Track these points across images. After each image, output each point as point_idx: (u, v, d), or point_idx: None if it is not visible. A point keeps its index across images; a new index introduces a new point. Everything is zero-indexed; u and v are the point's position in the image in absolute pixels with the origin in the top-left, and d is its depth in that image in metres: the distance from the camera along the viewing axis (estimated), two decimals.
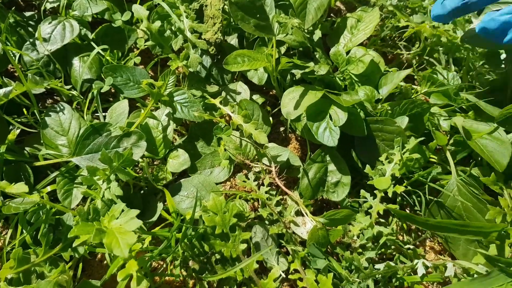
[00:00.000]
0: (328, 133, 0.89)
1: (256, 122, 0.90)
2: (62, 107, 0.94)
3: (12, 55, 0.99)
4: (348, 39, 1.10)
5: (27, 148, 0.92)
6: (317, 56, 1.04)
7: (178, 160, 0.91)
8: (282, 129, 1.07)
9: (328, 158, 0.95)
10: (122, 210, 0.69)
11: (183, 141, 0.98)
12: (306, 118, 0.90)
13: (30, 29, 1.07)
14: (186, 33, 0.95)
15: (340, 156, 0.95)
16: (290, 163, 0.95)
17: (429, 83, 0.99)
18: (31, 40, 1.01)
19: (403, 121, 0.93)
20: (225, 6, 1.00)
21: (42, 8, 1.09)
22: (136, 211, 0.64)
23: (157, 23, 0.97)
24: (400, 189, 0.79)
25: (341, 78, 1.04)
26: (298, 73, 1.00)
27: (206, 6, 1.01)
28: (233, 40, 1.08)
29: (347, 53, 1.05)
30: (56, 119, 0.93)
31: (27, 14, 1.10)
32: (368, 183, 0.96)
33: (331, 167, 0.94)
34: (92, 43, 1.02)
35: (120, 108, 0.95)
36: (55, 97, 1.07)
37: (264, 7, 0.88)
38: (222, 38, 0.98)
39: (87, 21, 1.06)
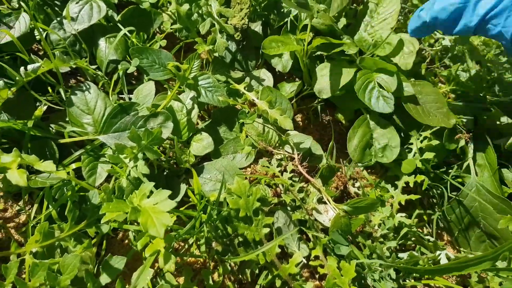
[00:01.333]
0: (382, 101, 0.91)
1: (281, 108, 0.91)
2: (88, 86, 0.95)
3: (40, 32, 1.00)
4: (368, 23, 1.10)
5: (52, 125, 0.93)
6: (344, 38, 1.05)
7: (202, 144, 0.92)
8: (301, 117, 1.07)
9: (371, 125, 0.96)
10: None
11: (205, 125, 0.98)
12: (346, 92, 0.92)
13: (56, 8, 1.08)
14: (214, 16, 0.95)
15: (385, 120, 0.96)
16: (312, 152, 0.96)
17: (451, 84, 0.99)
18: (58, 19, 1.02)
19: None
20: None
21: None
22: (167, 192, 0.65)
23: (186, 6, 0.97)
24: (421, 178, 0.80)
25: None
26: (326, 53, 1.00)
27: None
28: (257, 27, 1.08)
29: (372, 38, 1.05)
30: (82, 98, 0.93)
31: None
32: (388, 174, 0.97)
33: (377, 133, 0.96)
34: (118, 24, 1.03)
35: (146, 89, 0.95)
36: (78, 77, 1.07)
37: None
38: (248, 24, 0.98)
39: (114, 2, 1.06)
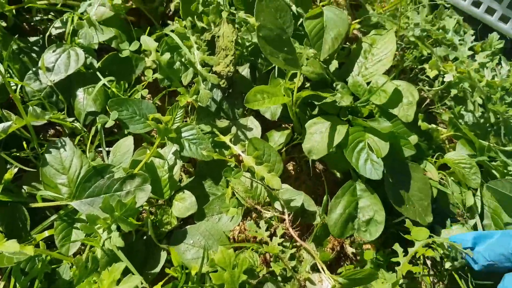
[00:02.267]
0: (370, 166, 0.84)
1: (269, 165, 0.84)
2: (63, 143, 0.89)
3: (13, 86, 0.94)
4: (362, 64, 1.03)
5: (25, 187, 0.87)
6: (338, 87, 0.98)
7: (184, 204, 0.85)
8: (293, 165, 1.01)
9: (359, 192, 0.88)
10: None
11: (190, 180, 0.92)
12: (337, 149, 0.86)
13: (34, 55, 1.03)
14: (197, 66, 0.90)
15: (372, 189, 0.88)
16: (304, 208, 0.89)
17: (453, 129, 0.92)
18: (34, 69, 0.96)
19: None
20: (238, 38, 0.95)
21: (47, 34, 1.04)
22: (138, 278, 0.58)
23: (166, 55, 0.91)
24: (430, 253, 0.72)
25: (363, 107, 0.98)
26: (317, 103, 0.94)
27: (218, 37, 0.95)
28: (244, 70, 1.03)
29: (368, 83, 0.98)
30: (56, 156, 0.87)
31: (32, 39, 1.05)
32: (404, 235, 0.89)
33: (363, 201, 0.87)
34: (97, 73, 0.97)
35: (125, 146, 0.89)
36: (57, 127, 1.02)
37: (291, 41, 0.82)
38: (234, 71, 0.92)
39: (94, 48, 1.01)
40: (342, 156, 0.87)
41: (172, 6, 1.08)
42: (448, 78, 0.92)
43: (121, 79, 0.99)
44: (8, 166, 0.88)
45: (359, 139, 0.88)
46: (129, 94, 0.99)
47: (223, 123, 0.96)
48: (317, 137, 0.87)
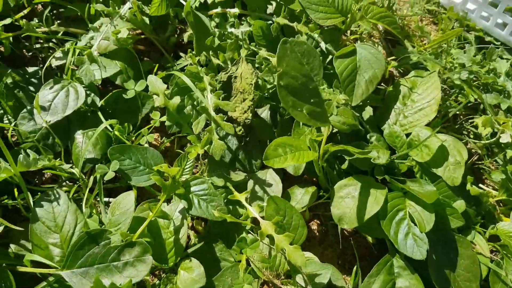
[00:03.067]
0: (412, 241, 0.71)
1: (291, 235, 0.72)
2: (57, 195, 0.78)
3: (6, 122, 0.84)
4: (400, 111, 0.90)
5: (12, 246, 0.76)
6: (372, 139, 0.85)
7: (191, 275, 0.74)
8: (318, 225, 0.88)
9: (396, 270, 0.75)
10: None
11: (198, 243, 0.80)
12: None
13: (32, 89, 0.93)
14: (210, 112, 0.78)
15: (413, 268, 0.75)
16: (331, 282, 0.76)
17: (506, 193, 0.78)
18: (29, 107, 0.86)
19: None
20: (258, 80, 0.83)
21: (46, 65, 0.94)
22: None
23: (176, 100, 0.80)
24: None
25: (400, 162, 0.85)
26: (348, 158, 0.82)
27: (235, 77, 0.83)
28: (264, 112, 0.91)
29: (407, 134, 0.85)
30: (49, 210, 0.77)
31: (30, 70, 0.95)
32: None
33: (401, 282, 0.74)
34: (99, 113, 0.86)
35: (125, 203, 0.77)
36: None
37: (319, 90, 0.70)
38: (252, 118, 0.81)
39: (97, 84, 0.90)
40: (377, 223, 0.74)
41: (185, 37, 0.97)
42: (504, 138, 0.78)
43: (125, 120, 0.88)
44: None
45: (399, 207, 0.75)
46: (133, 137, 0.88)
47: (238, 176, 0.84)
48: (349, 202, 0.75)
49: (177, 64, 0.96)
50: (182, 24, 1.04)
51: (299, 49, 0.69)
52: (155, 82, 0.80)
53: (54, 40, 0.99)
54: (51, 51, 1.01)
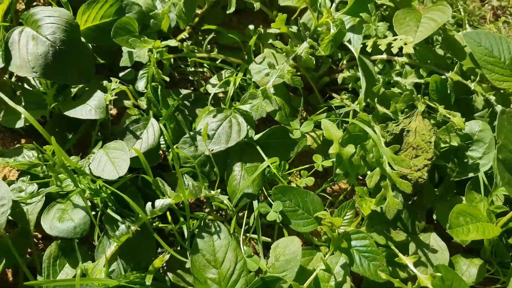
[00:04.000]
0: None
1: None
2: (217, 228, 0.77)
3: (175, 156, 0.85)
4: None
5: (169, 275, 0.76)
6: None
7: None
8: None
9: None
10: None
11: None
12: None
13: (185, 110, 0.93)
14: (385, 168, 0.75)
15: None
16: None
17: None
18: (191, 133, 0.86)
19: None
20: (437, 138, 0.79)
21: (201, 89, 0.95)
22: None
23: (351, 148, 0.77)
24: None
25: None
26: None
27: (408, 131, 0.80)
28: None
29: None
30: (209, 243, 0.76)
31: (184, 91, 0.96)
32: None
33: None
34: (258, 148, 0.85)
35: (289, 250, 0.74)
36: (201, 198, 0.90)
37: None
38: (426, 179, 0.77)
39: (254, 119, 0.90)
40: None
41: (339, 79, 0.95)
42: None
43: (277, 155, 0.86)
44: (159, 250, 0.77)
45: None
46: (288, 177, 0.86)
47: (399, 235, 0.80)
48: None
49: (326, 104, 0.94)
50: (334, 65, 1.02)
51: None
52: (330, 127, 0.78)
53: (206, 65, 1.00)
54: (201, 75, 1.02)
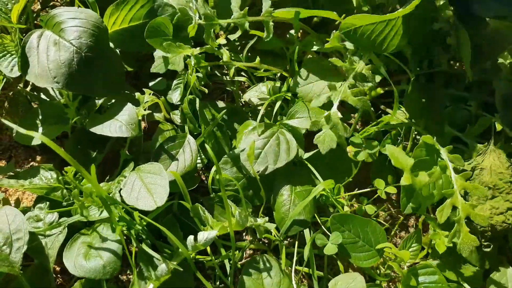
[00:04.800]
0: None
1: None
2: (267, 264, 0.67)
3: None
4: None
5: None
6: None
7: None
8: None
9: None
10: None
11: None
12: None
13: (224, 125, 0.83)
14: (458, 198, 0.66)
15: None
16: None
17: None
18: (231, 152, 0.76)
19: None
20: None
21: (242, 100, 0.85)
22: None
23: (424, 177, 0.67)
24: None
25: None
26: None
27: (481, 169, 0.71)
28: None
29: None
30: (258, 281, 0.66)
31: (220, 104, 0.86)
32: None
33: None
34: (312, 168, 0.75)
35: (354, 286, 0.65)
36: None
37: None
38: (511, 223, 0.68)
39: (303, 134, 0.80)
40: None
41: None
42: None
43: (332, 178, 0.76)
44: None
45: None
46: (344, 202, 0.76)
47: (468, 269, 0.71)
48: None
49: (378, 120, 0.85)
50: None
51: None
52: (397, 154, 0.68)
53: (244, 74, 0.90)
54: (239, 84, 0.92)
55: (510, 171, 0.71)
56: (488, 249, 0.71)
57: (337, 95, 0.72)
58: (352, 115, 0.91)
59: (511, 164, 0.72)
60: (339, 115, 0.69)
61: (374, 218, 0.78)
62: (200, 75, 0.82)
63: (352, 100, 0.72)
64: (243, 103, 0.89)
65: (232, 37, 0.85)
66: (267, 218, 0.71)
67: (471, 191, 0.68)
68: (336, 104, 0.72)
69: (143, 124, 0.83)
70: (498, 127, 0.75)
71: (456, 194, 0.67)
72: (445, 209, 0.67)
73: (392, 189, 0.73)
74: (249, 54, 0.91)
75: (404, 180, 0.66)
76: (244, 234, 0.79)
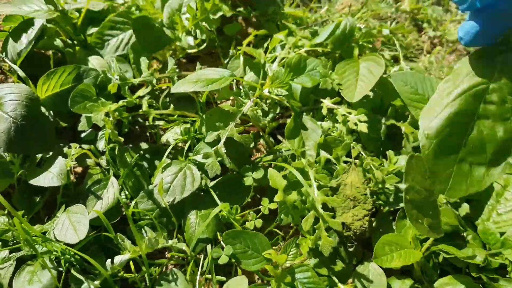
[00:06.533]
0: None
1: None
2: (174, 276, 0.85)
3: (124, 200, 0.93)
4: (493, 207, 0.94)
5: None
6: (469, 238, 0.89)
7: None
8: None
9: None
10: None
11: None
12: None
13: (145, 163, 1.02)
14: (318, 209, 0.84)
15: None
16: None
17: None
18: (149, 187, 0.94)
19: None
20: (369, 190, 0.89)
21: (161, 141, 1.03)
22: None
23: (293, 196, 0.86)
24: None
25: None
26: (446, 256, 0.86)
27: (345, 185, 0.90)
28: None
29: (501, 233, 0.89)
30: None
31: (143, 145, 1.05)
32: None
33: None
34: (214, 195, 0.94)
35: None
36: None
37: (437, 203, 0.75)
38: (367, 227, 0.86)
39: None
40: None
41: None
42: None
43: (231, 201, 0.95)
44: None
45: None
46: (238, 217, 0.94)
47: (339, 265, 0.89)
48: None
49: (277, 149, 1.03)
50: (283, 109, 1.12)
51: (422, 163, 0.75)
52: (275, 176, 0.87)
53: (164, 118, 1.09)
54: (160, 127, 1.10)
55: (365, 185, 0.90)
56: (351, 249, 0.89)
57: (224, 133, 0.90)
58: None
59: (366, 179, 0.90)
60: (224, 150, 0.87)
61: (277, 230, 0.96)
62: (124, 121, 1.01)
63: (237, 136, 0.91)
64: (164, 143, 1.07)
65: (143, 92, 1.03)
66: (176, 240, 0.89)
67: (331, 203, 0.86)
68: (223, 140, 0.90)
69: (76, 167, 1.01)
70: None
71: (317, 206, 0.85)
72: (308, 219, 0.85)
73: (273, 205, 0.91)
74: (169, 98, 1.10)
75: (277, 198, 0.85)
76: (166, 252, 0.97)
